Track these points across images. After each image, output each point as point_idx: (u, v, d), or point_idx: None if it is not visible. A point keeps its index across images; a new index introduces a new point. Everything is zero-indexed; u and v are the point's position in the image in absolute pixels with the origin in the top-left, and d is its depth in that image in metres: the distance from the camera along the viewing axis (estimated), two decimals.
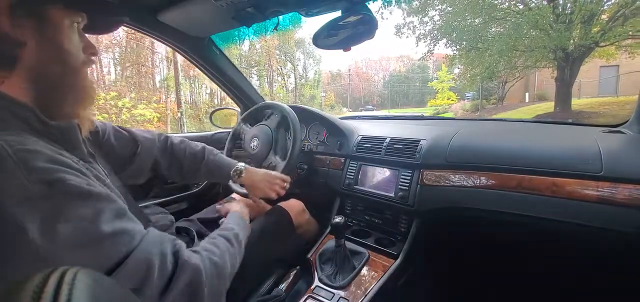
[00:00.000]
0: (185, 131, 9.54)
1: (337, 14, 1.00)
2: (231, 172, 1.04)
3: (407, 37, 12.71)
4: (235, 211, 0.93)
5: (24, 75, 0.51)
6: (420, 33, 12.30)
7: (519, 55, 10.55)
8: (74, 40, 0.56)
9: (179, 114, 10.08)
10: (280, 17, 1.16)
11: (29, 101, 0.51)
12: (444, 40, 11.70)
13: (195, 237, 0.93)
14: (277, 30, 1.18)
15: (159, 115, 9.15)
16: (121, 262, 0.47)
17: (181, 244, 0.59)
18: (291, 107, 1.32)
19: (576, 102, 11.06)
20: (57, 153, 0.48)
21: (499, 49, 9.76)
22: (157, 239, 0.54)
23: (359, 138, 1.35)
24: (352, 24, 1.02)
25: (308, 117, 1.53)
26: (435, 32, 11.85)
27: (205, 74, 1.50)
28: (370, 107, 40.03)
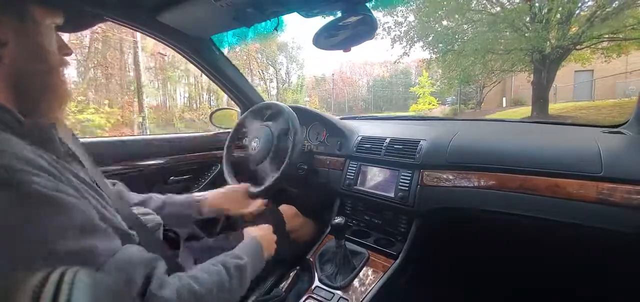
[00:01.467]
0: (149, 134, 9.29)
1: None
2: (199, 202, 0.99)
3: (382, 38, 12.47)
4: (255, 239, 0.84)
5: (3, 74, 0.50)
6: (395, 35, 11.80)
7: (496, 58, 10.57)
8: (52, 40, 0.57)
9: (140, 119, 9.98)
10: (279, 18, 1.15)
11: (7, 101, 0.50)
12: (420, 43, 11.40)
13: (180, 242, 0.87)
14: (277, 30, 1.17)
15: (117, 120, 8.87)
16: None
17: (157, 269, 0.54)
18: (291, 107, 1.31)
19: (553, 107, 11.11)
20: (31, 152, 0.46)
21: (473, 48, 9.69)
22: (128, 262, 0.49)
23: (359, 138, 1.35)
24: (352, 24, 1.02)
25: (308, 117, 1.53)
26: (411, 34, 11.50)
27: (205, 75, 1.48)
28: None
